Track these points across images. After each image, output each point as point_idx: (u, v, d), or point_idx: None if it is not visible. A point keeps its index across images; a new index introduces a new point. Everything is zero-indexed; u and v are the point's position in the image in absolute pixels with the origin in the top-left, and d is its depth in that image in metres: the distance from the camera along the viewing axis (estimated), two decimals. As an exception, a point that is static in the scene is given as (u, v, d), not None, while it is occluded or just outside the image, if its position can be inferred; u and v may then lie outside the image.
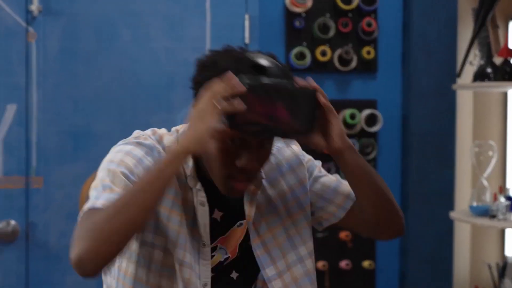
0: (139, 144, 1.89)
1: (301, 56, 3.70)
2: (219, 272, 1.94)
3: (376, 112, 3.78)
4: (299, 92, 1.80)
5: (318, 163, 2.10)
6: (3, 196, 3.46)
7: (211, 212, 1.92)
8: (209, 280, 1.91)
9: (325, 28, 3.74)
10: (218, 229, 1.93)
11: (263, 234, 1.96)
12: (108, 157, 1.90)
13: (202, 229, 1.89)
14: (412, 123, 3.82)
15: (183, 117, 3.63)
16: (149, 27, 3.52)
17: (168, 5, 3.57)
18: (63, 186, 3.49)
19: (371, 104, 3.82)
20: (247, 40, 3.62)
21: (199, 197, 1.89)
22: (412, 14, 3.79)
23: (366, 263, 3.82)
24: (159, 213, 1.85)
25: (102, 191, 1.79)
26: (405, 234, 3.76)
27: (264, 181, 1.97)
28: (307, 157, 2.07)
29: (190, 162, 1.89)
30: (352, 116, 3.75)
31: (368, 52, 3.78)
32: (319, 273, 3.50)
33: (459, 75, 3.20)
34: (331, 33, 3.73)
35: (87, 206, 1.78)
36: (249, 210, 1.94)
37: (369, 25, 3.75)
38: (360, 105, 3.80)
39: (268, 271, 1.96)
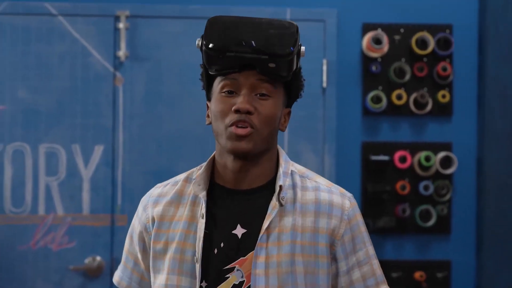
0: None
1: (377, 99, 3.79)
2: None
3: (451, 154, 3.83)
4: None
5: (370, 247, 2.02)
6: (89, 233, 3.62)
7: (232, 227, 1.93)
8: None
9: (401, 72, 3.82)
10: (238, 248, 1.91)
11: (270, 256, 1.90)
12: None
13: (196, 243, 1.92)
14: (487, 166, 3.86)
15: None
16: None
17: (248, 51, 3.70)
18: (146, 223, 3.64)
19: (446, 146, 3.87)
20: (324, 84, 3.73)
21: (202, 208, 1.93)
22: (487, 58, 3.85)
23: (441, 304, 3.85)
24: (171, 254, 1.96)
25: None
26: (480, 274, 3.81)
27: (298, 205, 1.95)
28: (359, 223, 2.00)
29: (204, 165, 1.98)
30: (427, 159, 3.81)
31: (443, 96, 3.84)
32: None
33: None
34: (407, 77, 3.81)
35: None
36: (265, 222, 1.91)
37: (444, 69, 3.82)
38: (435, 147, 3.86)
39: None
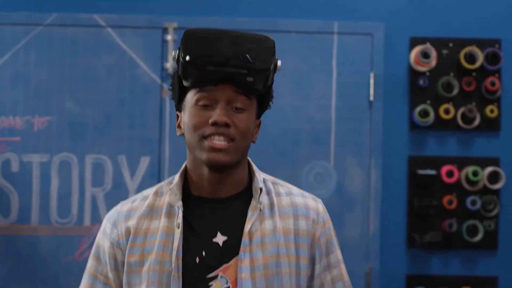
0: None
1: (424, 114, 3.76)
2: None
3: (499, 169, 3.79)
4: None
5: (339, 251, 2.07)
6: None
7: (212, 235, 1.92)
8: None
9: (448, 87, 3.79)
10: (220, 256, 1.91)
11: (255, 259, 1.91)
12: None
13: (174, 254, 1.90)
14: (535, 182, 3.82)
15: (308, 172, 3.74)
16: (277, 84, 3.63)
17: (296, 64, 3.69)
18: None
19: (494, 161, 3.83)
20: (371, 98, 3.71)
21: (178, 218, 1.93)
22: (536, 73, 3.81)
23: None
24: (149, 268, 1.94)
25: None
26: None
27: (276, 210, 1.98)
28: (331, 227, 2.04)
29: (177, 177, 1.98)
30: (475, 173, 3.77)
31: (492, 111, 3.81)
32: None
33: None
34: (455, 91, 3.78)
35: None
36: (246, 226, 1.92)
37: (492, 84, 3.79)
38: (483, 162, 3.83)
39: None
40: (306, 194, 2.05)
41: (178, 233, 1.92)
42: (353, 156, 3.71)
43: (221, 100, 1.88)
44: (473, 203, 3.79)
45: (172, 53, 1.94)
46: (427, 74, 3.81)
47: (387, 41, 3.78)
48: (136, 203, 2.02)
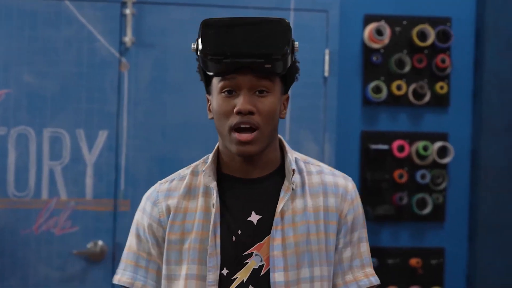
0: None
1: (377, 90, 3.86)
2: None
3: (448, 144, 3.91)
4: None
5: (363, 230, 2.11)
6: (92, 217, 3.63)
7: (247, 214, 2.00)
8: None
9: (401, 64, 3.89)
10: (254, 234, 1.99)
11: (287, 237, 1.98)
12: None
13: (210, 232, 1.98)
14: (482, 157, 3.95)
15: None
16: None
17: (253, 39, 3.73)
18: (149, 209, 3.65)
19: (443, 137, 3.95)
20: (326, 73, 3.77)
21: (213, 199, 1.99)
22: (485, 51, 3.93)
23: (435, 291, 3.95)
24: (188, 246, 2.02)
25: None
26: (472, 262, 3.90)
27: (307, 188, 2.03)
28: (359, 205, 2.09)
29: (210, 158, 2.05)
30: (425, 148, 3.88)
31: (441, 87, 3.92)
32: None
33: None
34: (407, 68, 3.88)
35: None
36: (278, 206, 1.99)
37: (443, 61, 3.89)
38: (432, 137, 3.94)
39: (277, 276, 1.96)
40: (337, 172, 2.11)
41: (213, 212, 1.98)
42: (308, 132, 3.78)
43: (243, 87, 1.94)
44: (423, 177, 3.90)
45: (192, 46, 1.98)
46: (381, 51, 3.90)
47: (342, 18, 3.85)
48: (174, 183, 2.08)
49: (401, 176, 3.88)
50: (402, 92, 3.89)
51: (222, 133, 1.96)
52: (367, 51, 3.89)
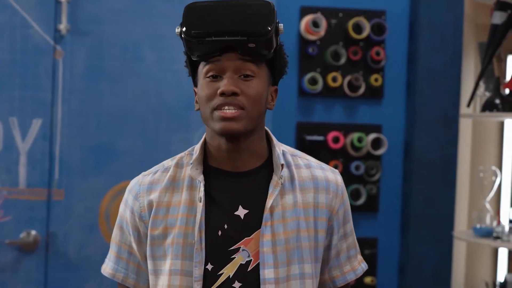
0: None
1: (313, 81, 3.88)
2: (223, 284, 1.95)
3: (382, 136, 3.97)
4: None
5: (351, 220, 2.13)
6: (25, 207, 3.58)
7: (234, 208, 1.96)
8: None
9: (336, 56, 3.93)
10: (242, 229, 1.95)
11: (277, 234, 1.95)
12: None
13: (196, 227, 1.94)
14: (415, 149, 4.01)
15: (201, 136, 3.78)
16: (172, 49, 3.66)
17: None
18: (83, 199, 3.62)
19: (377, 128, 4.00)
20: (263, 65, 3.78)
21: (200, 192, 1.96)
22: (418, 44, 3.99)
23: (368, 279, 3.99)
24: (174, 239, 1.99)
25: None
26: (404, 252, 3.97)
27: (297, 183, 2.00)
28: (347, 198, 2.09)
29: (197, 150, 2.01)
30: (360, 140, 3.93)
31: (376, 80, 3.97)
32: None
33: (469, 104, 3.39)
34: (342, 60, 3.92)
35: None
36: (268, 201, 1.96)
37: (377, 54, 3.94)
38: (367, 129, 3.99)
39: (266, 272, 1.94)
40: (324, 165, 2.09)
41: (200, 206, 1.95)
42: (244, 121, 3.77)
43: (228, 70, 1.91)
44: (357, 168, 3.95)
45: (176, 29, 1.95)
46: (317, 42, 3.93)
47: (278, 9, 3.85)
48: (158, 175, 2.04)
49: (336, 167, 3.92)
50: (337, 84, 3.92)
51: (206, 116, 1.93)
52: (303, 43, 3.92)
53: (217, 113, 1.90)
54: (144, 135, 3.67)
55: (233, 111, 1.89)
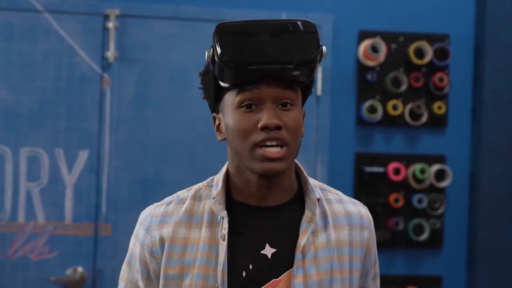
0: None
1: (372, 109, 3.68)
2: None
3: (446, 167, 3.74)
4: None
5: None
6: (71, 242, 3.44)
7: (261, 246, 1.78)
8: None
9: (397, 82, 3.72)
10: (269, 269, 1.77)
11: (309, 275, 1.78)
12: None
13: (219, 269, 1.76)
14: (481, 180, 3.78)
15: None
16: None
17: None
18: (131, 233, 3.44)
19: (441, 159, 3.78)
20: (319, 92, 3.61)
21: (223, 229, 1.77)
22: (484, 70, 3.77)
23: (432, 321, 3.77)
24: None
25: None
26: (474, 292, 3.74)
27: (330, 219, 1.84)
28: (375, 236, 1.94)
29: (219, 182, 1.82)
30: (422, 171, 3.71)
31: (439, 107, 3.75)
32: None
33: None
34: (403, 87, 3.71)
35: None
36: (300, 240, 1.78)
37: (441, 80, 3.73)
38: (430, 160, 3.77)
39: None
40: (355, 200, 1.92)
41: (223, 245, 1.76)
42: (299, 152, 3.59)
43: (267, 100, 1.72)
44: (420, 201, 3.73)
45: (206, 53, 1.75)
46: (376, 68, 3.73)
47: (335, 33, 3.69)
48: (172, 206, 1.84)
49: (397, 200, 3.71)
50: (398, 112, 3.71)
51: (241, 153, 1.73)
52: (361, 69, 3.72)
53: (259, 152, 1.70)
54: (192, 165, 3.51)
55: (277, 149, 1.70)
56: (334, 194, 1.90)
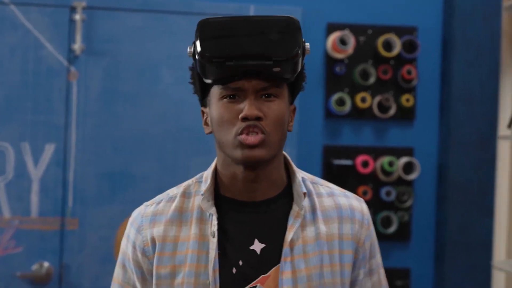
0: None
1: (341, 102, 3.68)
2: None
3: (414, 160, 3.75)
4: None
5: (379, 255, 1.96)
6: (37, 237, 3.41)
7: (249, 242, 1.79)
8: None
9: (365, 75, 3.72)
10: (258, 265, 1.78)
11: (298, 270, 1.78)
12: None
13: (210, 266, 1.76)
14: (450, 172, 3.80)
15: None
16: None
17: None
18: (98, 228, 3.44)
19: (409, 152, 3.79)
20: (287, 85, 3.60)
21: (212, 226, 1.78)
22: (452, 63, 3.78)
23: (400, 313, 3.78)
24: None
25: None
26: (440, 284, 3.75)
27: (319, 213, 1.84)
28: (373, 229, 1.93)
29: (208, 179, 1.83)
30: (390, 164, 3.72)
31: (407, 100, 3.76)
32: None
33: (510, 125, 3.19)
34: (372, 80, 3.71)
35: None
36: (287, 234, 1.78)
37: (409, 73, 3.74)
38: (398, 152, 3.78)
39: None
40: (349, 193, 1.91)
41: (213, 242, 1.76)
42: (268, 145, 3.59)
43: (249, 91, 1.72)
44: (388, 194, 3.74)
45: (188, 49, 1.76)
46: (345, 61, 3.73)
47: (303, 26, 3.67)
48: (162, 205, 1.84)
49: (365, 193, 3.71)
50: (366, 105, 3.71)
51: (224, 142, 1.74)
52: (330, 61, 3.72)
53: (239, 140, 1.71)
54: (162, 160, 3.48)
55: (256, 136, 1.70)
56: (326, 188, 1.89)
